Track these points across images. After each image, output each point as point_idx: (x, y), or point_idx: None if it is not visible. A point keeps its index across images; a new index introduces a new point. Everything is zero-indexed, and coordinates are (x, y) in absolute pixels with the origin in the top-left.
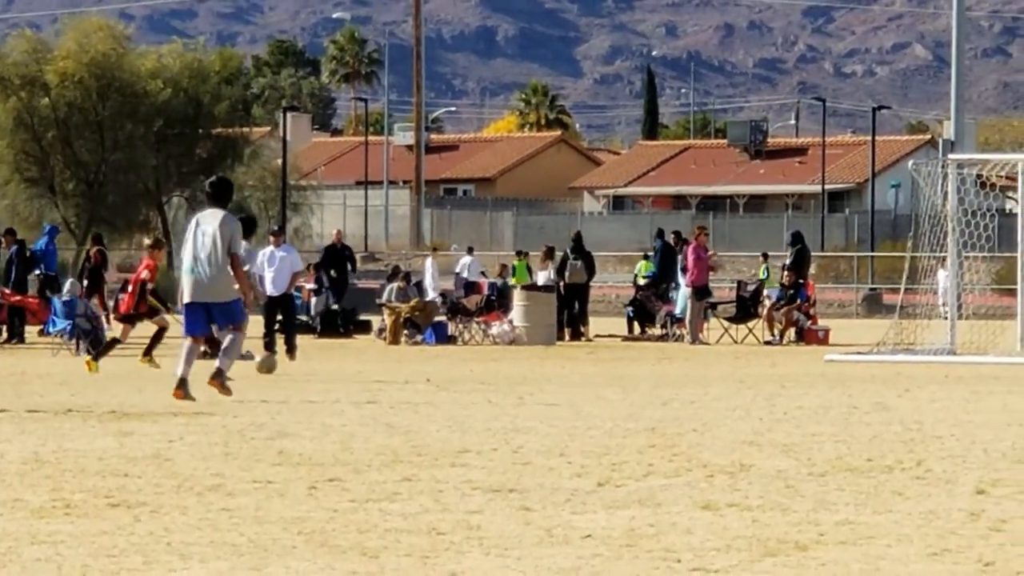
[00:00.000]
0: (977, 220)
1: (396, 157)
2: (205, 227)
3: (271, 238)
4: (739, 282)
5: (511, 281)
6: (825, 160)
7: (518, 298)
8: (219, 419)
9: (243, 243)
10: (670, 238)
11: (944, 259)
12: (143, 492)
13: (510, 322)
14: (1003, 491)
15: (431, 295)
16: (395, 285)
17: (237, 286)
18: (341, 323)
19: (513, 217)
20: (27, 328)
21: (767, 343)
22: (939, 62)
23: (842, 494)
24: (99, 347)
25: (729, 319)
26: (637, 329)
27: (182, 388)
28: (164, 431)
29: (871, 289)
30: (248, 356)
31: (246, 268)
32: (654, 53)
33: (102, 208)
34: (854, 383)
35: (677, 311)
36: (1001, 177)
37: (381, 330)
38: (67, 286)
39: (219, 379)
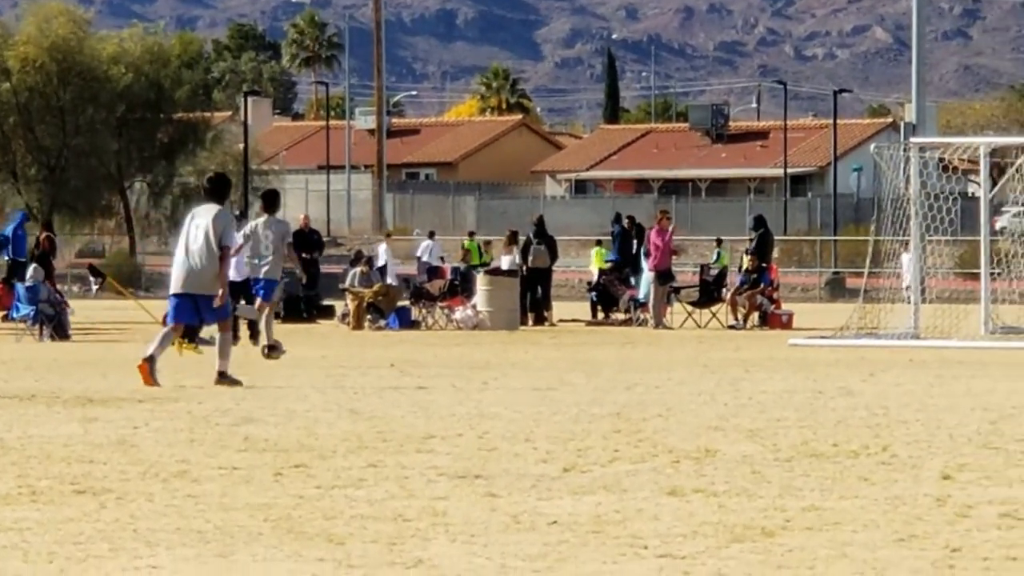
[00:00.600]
0: (939, 204)
1: (358, 141)
2: (199, 221)
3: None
4: (702, 266)
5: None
6: (787, 144)
7: (481, 283)
8: (184, 405)
9: (236, 235)
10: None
11: (908, 243)
12: (109, 479)
13: (473, 307)
14: (969, 476)
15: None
16: (358, 270)
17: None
18: (304, 308)
19: (475, 201)
20: None
21: (731, 327)
22: (899, 45)
23: (808, 479)
24: (63, 333)
25: (693, 303)
26: (601, 314)
27: (149, 363)
28: (129, 417)
29: (834, 273)
30: (211, 341)
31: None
32: (614, 36)
33: (64, 193)
34: (818, 367)
35: (640, 295)
36: (963, 160)
37: (344, 315)
38: (30, 272)
39: (225, 380)
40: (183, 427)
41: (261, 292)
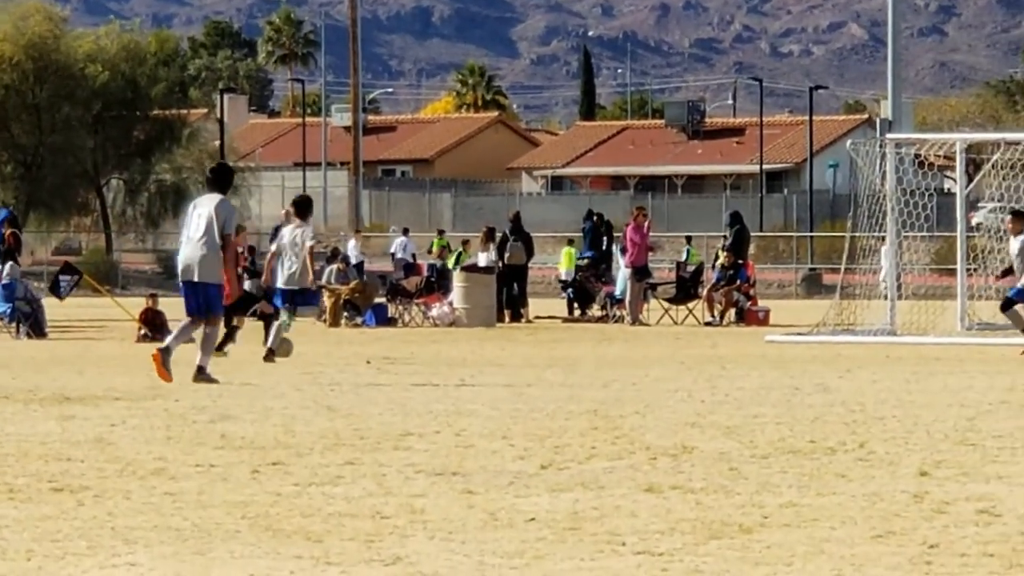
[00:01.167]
0: (916, 200)
1: (334, 138)
2: (201, 210)
3: None
4: (679, 263)
5: (449, 262)
6: (763, 140)
7: (458, 280)
8: (161, 403)
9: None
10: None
11: (884, 239)
12: (86, 476)
13: (450, 304)
14: (946, 472)
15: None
16: (335, 267)
17: (221, 271)
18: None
19: (451, 198)
20: None
21: (707, 324)
22: (875, 41)
23: (785, 476)
24: (40, 331)
25: (669, 300)
26: (577, 311)
27: (163, 354)
28: (106, 415)
29: (810, 269)
30: (191, 340)
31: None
32: (590, 33)
33: (40, 191)
34: (795, 364)
35: (617, 292)
36: (939, 156)
37: (321, 312)
38: (6, 269)
39: (203, 377)
40: (160, 425)
41: (297, 300)
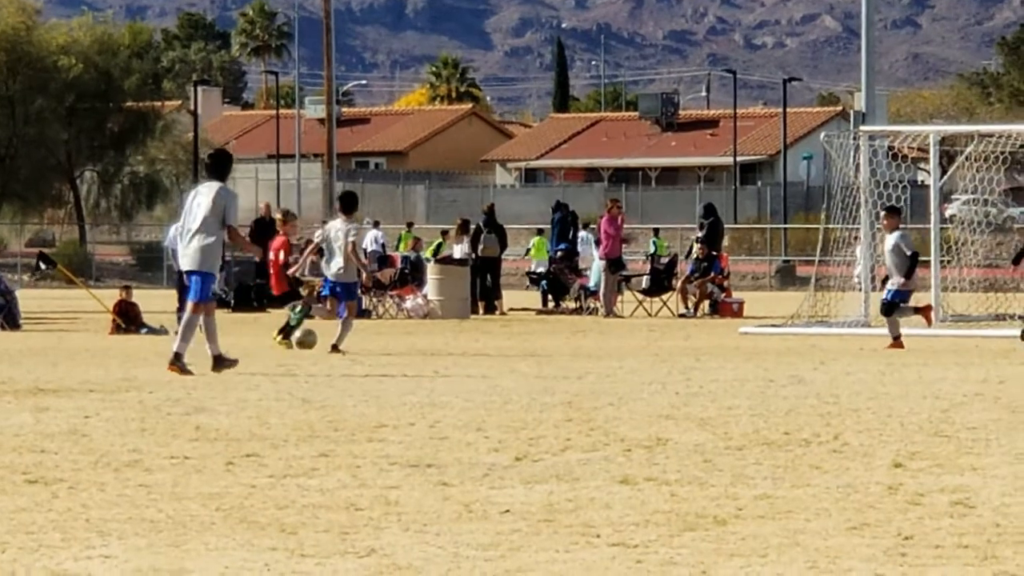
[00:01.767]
0: (889, 192)
1: (307, 130)
2: (200, 199)
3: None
4: (652, 255)
5: (424, 254)
6: (737, 132)
7: (432, 272)
8: (135, 395)
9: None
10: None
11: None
12: (60, 468)
13: (424, 296)
14: (920, 464)
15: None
16: (309, 259)
17: (218, 262)
18: (255, 297)
19: (425, 190)
20: None
21: (681, 316)
22: (849, 33)
23: (760, 468)
24: (13, 323)
25: (643, 292)
26: (551, 302)
27: (217, 362)
28: (80, 407)
29: (784, 261)
30: (162, 331)
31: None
32: (564, 25)
33: (14, 182)
34: (769, 356)
35: (591, 284)
36: (913, 149)
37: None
38: None
39: (178, 365)
40: (134, 417)
41: (341, 294)
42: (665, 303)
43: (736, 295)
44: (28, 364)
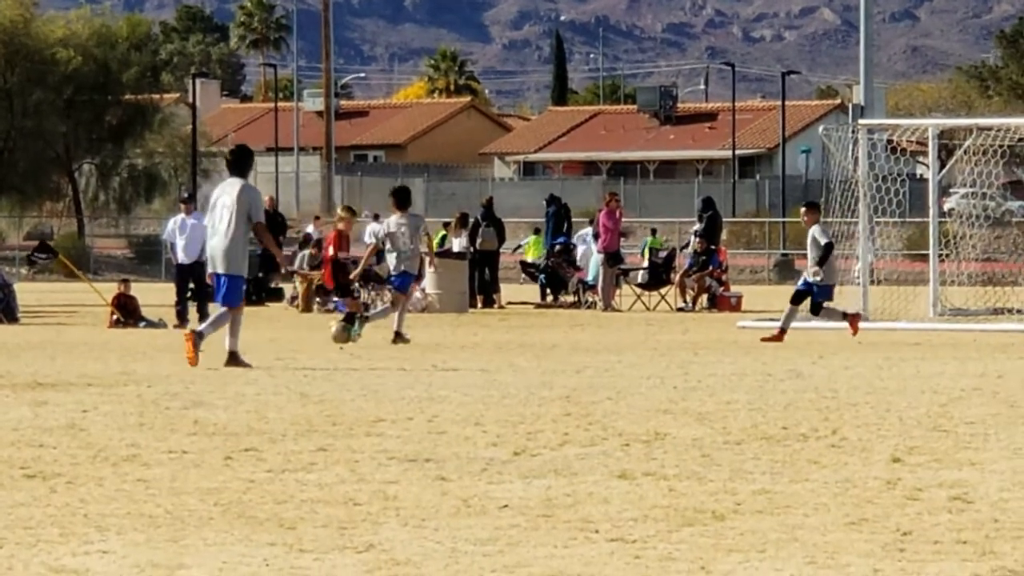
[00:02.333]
0: (888, 185)
1: (306, 123)
2: (224, 198)
3: (181, 205)
4: (651, 248)
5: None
6: (735, 125)
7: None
8: (133, 389)
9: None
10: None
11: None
12: (58, 463)
13: (423, 289)
14: (918, 459)
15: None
16: (307, 252)
17: (245, 262)
18: (253, 291)
19: (424, 183)
20: None
21: (679, 310)
22: (847, 26)
23: (758, 463)
24: (12, 316)
25: (641, 286)
26: (549, 296)
27: (232, 358)
28: (78, 401)
29: (783, 255)
30: (161, 324)
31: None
32: (562, 18)
33: (12, 175)
34: (767, 350)
35: (589, 278)
36: (911, 142)
37: (293, 298)
38: None
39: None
40: (133, 411)
41: (396, 283)
42: (663, 297)
43: (734, 289)
44: (26, 358)
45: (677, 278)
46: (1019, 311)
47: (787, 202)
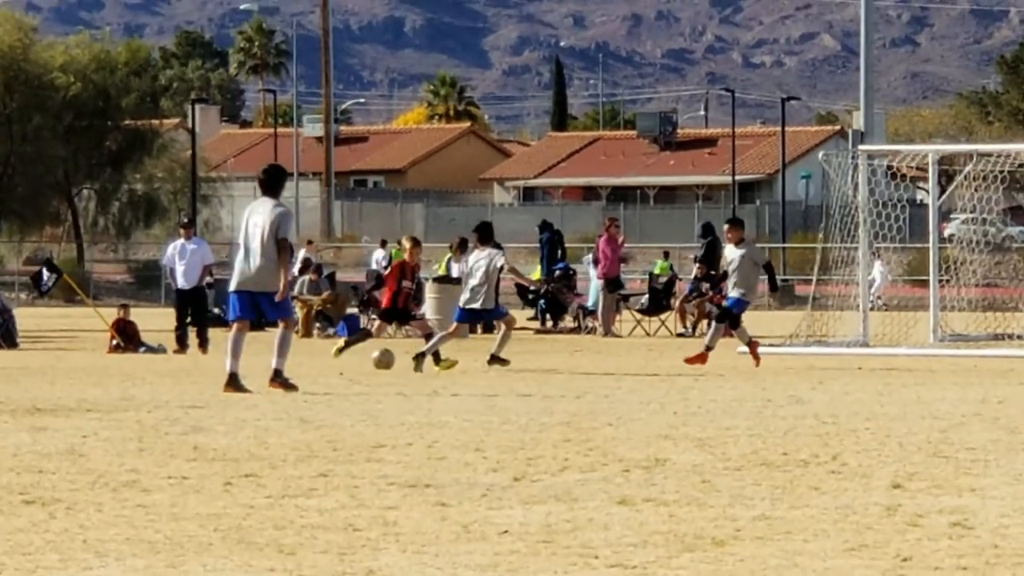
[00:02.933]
0: (888, 211)
1: (306, 149)
2: (256, 218)
3: (181, 231)
4: (651, 274)
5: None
6: (735, 151)
7: (430, 291)
8: (133, 414)
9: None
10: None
11: (879, 250)
12: (58, 488)
13: (423, 315)
14: (919, 485)
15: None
16: (307, 278)
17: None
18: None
19: (424, 209)
20: None
21: (680, 335)
22: (847, 52)
23: (758, 489)
24: (11, 341)
25: (641, 311)
26: (549, 322)
27: (232, 382)
28: (78, 426)
29: (783, 280)
30: (160, 350)
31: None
32: (562, 44)
33: (12, 200)
34: (768, 376)
35: (589, 303)
36: (912, 168)
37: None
38: None
39: (279, 380)
40: (132, 436)
41: (457, 316)
42: (663, 322)
43: None
44: (25, 383)
45: (677, 303)
46: (1020, 337)
47: (787, 228)
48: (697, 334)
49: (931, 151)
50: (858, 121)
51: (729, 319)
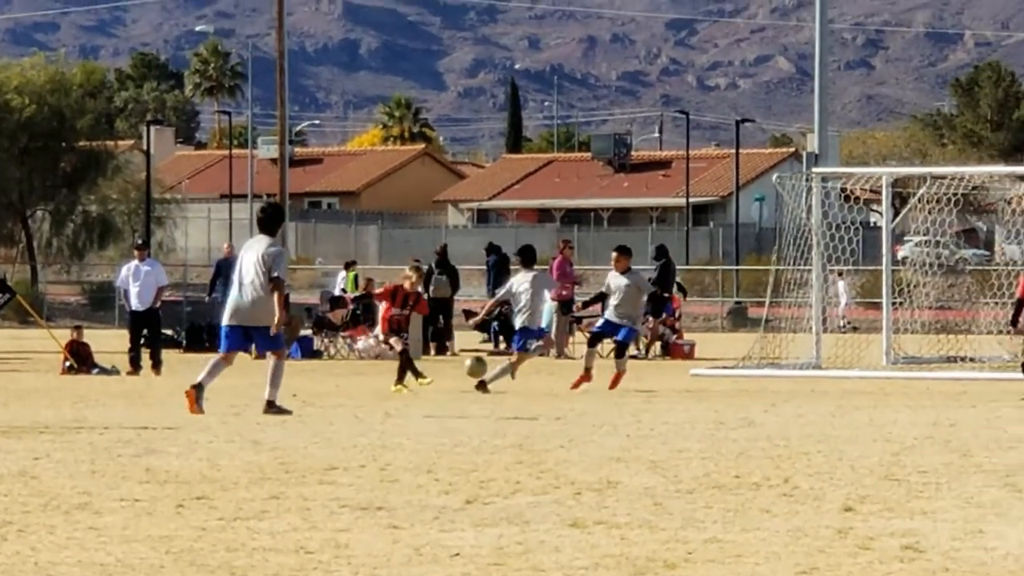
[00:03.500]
0: (842, 234)
1: (260, 170)
2: (250, 254)
3: (136, 252)
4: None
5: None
6: (689, 173)
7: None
8: (85, 436)
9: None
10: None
11: (843, 271)
12: (9, 511)
13: (376, 337)
14: (870, 508)
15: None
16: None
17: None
18: (207, 338)
19: (378, 231)
20: None
21: (632, 357)
22: (802, 74)
23: (710, 511)
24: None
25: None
26: (503, 344)
27: (197, 391)
28: (30, 448)
29: (736, 302)
30: (114, 371)
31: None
32: (517, 66)
33: None
34: (720, 398)
35: (542, 325)
36: (865, 191)
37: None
38: None
39: (273, 410)
40: (85, 458)
41: (516, 341)
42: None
43: (688, 336)
44: None
45: None
46: (972, 359)
47: (741, 250)
48: (650, 356)
49: (885, 173)
50: (812, 143)
51: (622, 351)
